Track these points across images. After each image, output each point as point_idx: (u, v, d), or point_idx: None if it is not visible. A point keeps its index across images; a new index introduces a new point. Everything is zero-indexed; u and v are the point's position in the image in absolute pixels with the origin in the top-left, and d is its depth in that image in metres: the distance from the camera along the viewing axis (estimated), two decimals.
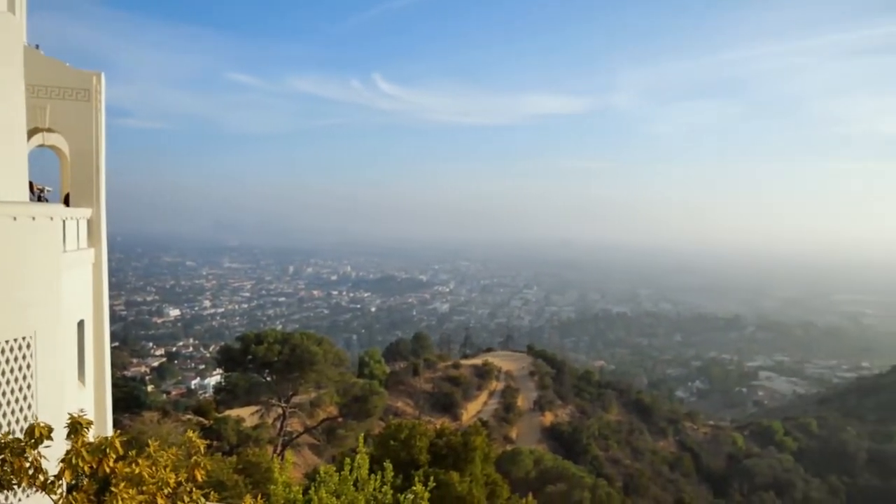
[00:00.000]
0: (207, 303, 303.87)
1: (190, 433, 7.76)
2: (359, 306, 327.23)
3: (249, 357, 40.20)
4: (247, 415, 40.94)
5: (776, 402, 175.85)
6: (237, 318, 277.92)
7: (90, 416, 7.46)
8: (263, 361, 39.76)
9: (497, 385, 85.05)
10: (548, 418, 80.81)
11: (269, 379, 41.36)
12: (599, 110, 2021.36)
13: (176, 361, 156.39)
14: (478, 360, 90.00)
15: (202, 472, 7.45)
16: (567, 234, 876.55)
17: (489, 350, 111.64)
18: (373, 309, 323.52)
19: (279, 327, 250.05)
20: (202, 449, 7.72)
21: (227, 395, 41.73)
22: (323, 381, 39.72)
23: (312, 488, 10.83)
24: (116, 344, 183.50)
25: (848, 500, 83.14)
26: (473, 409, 75.12)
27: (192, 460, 7.51)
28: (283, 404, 40.97)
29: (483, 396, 79.57)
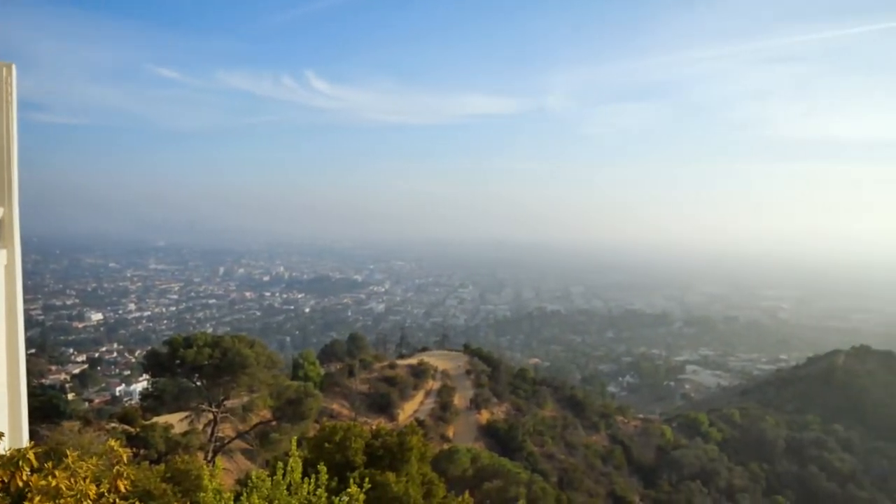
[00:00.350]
0: (132, 306, 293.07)
1: (112, 442, 7.40)
2: (292, 307, 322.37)
3: (178, 361, 38.80)
4: (175, 421, 39.57)
5: (702, 395, 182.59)
6: (164, 322, 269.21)
7: (2, 427, 7.02)
8: (193, 366, 38.48)
9: (433, 384, 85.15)
10: (484, 416, 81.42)
11: (199, 384, 40.06)
12: (532, 111, 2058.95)
13: (99, 368, 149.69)
14: (414, 360, 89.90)
15: (126, 482, 7.11)
16: (501, 233, 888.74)
17: (425, 349, 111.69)
18: (307, 310, 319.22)
19: (209, 330, 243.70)
20: (125, 458, 7.38)
21: (155, 402, 40.21)
22: (255, 384, 38.74)
23: (244, 494, 10.52)
24: (33, 351, 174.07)
25: (767, 486, 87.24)
26: (410, 409, 74.98)
27: (115, 470, 7.16)
28: (215, 409, 39.77)
29: (419, 396, 79.52)
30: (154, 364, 39.84)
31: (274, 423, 39.28)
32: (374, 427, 22.79)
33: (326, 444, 19.65)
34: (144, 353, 60.94)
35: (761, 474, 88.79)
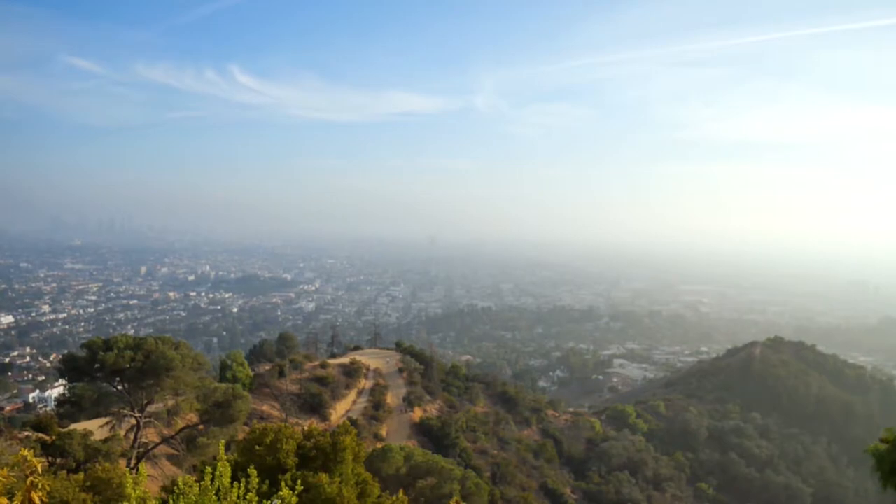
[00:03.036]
0: (46, 308, 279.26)
1: (24, 451, 6.93)
2: (219, 308, 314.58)
3: (97, 365, 37.08)
4: (95, 428, 37.70)
5: (629, 387, 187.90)
6: (82, 324, 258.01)
7: None
8: (114, 369, 36.83)
9: (366, 383, 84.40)
10: (417, 414, 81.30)
11: (120, 388, 38.38)
12: (460, 110, 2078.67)
13: (10, 373, 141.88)
14: (346, 359, 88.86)
15: (41, 493, 6.68)
16: (433, 231, 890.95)
17: (357, 348, 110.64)
18: (235, 310, 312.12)
19: (131, 332, 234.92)
20: (40, 468, 6.93)
21: (72, 408, 38.16)
22: (181, 387, 37.36)
23: (171, 501, 10.11)
24: None
25: (692, 474, 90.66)
26: (342, 409, 74.06)
27: (28, 481, 6.71)
28: (137, 414, 38.20)
29: (352, 395, 78.64)
30: (71, 369, 37.87)
31: (201, 426, 38.01)
32: (305, 428, 22.37)
33: (256, 447, 19.14)
34: (60, 357, 57.87)
35: (686, 463, 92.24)
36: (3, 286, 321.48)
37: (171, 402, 38.94)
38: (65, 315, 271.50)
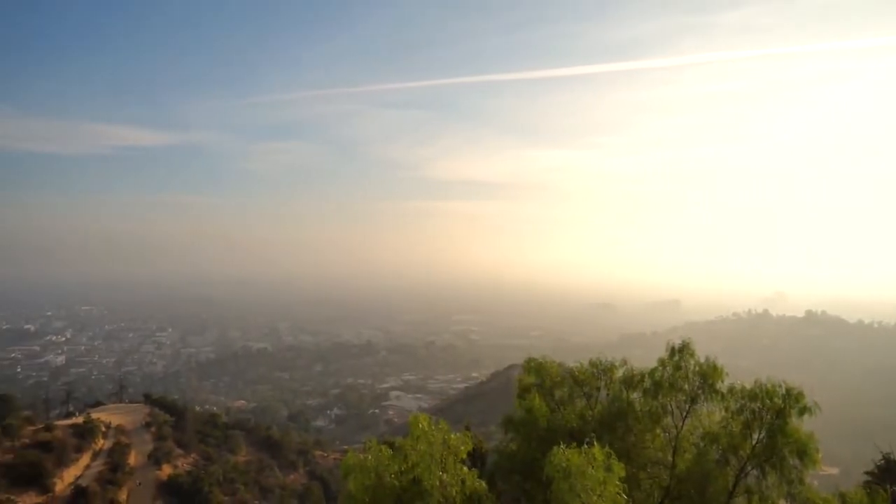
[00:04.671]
0: None
1: None
2: None
3: None
4: None
5: (403, 419, 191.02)
6: None
7: None
8: None
9: (104, 443, 75.86)
10: (165, 471, 74.80)
11: None
12: (189, 144, 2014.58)
13: None
14: (80, 419, 79.37)
15: None
16: (202, 271, 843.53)
17: (98, 404, 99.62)
18: None
19: None
20: None
21: None
22: None
23: None
24: None
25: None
26: (71, 476, 65.44)
27: None
28: None
29: (85, 459, 69.97)
30: None
31: None
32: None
33: None
34: None
35: None
36: None
37: None
38: None
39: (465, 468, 16.10)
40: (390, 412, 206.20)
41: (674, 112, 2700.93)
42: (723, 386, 18.96)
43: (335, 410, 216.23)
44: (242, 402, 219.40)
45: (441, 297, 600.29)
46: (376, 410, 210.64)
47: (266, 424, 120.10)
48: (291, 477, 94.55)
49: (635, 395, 20.32)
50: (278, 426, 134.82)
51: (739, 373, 21.57)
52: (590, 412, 21.07)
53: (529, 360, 23.42)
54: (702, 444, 18.97)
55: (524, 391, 22.23)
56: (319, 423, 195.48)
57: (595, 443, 14.34)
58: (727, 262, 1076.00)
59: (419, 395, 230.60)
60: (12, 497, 56.50)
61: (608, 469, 13.70)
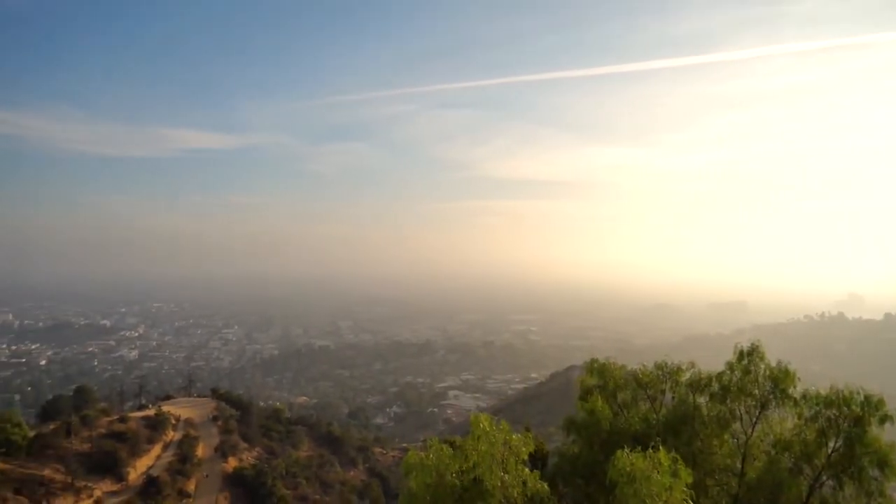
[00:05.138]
0: None
1: None
2: (24, 360, 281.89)
3: None
4: None
5: (462, 418, 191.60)
6: None
7: None
8: None
9: (174, 435, 78.81)
10: (231, 464, 77.10)
11: None
12: (248, 147, 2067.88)
13: None
14: (151, 411, 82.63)
15: None
16: (265, 270, 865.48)
17: (168, 398, 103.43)
18: (42, 362, 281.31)
19: None
20: None
21: None
22: None
23: None
24: None
25: None
26: (143, 466, 68.28)
27: None
28: None
29: (156, 450, 72.87)
30: None
31: None
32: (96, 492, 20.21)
33: None
34: None
35: None
36: None
37: None
38: None
39: (526, 469, 15.93)
40: (449, 411, 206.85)
41: (739, 107, 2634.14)
42: (795, 391, 18.24)
43: (394, 408, 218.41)
44: (304, 398, 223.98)
45: (497, 297, 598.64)
46: (435, 409, 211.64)
47: (327, 421, 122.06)
48: (351, 473, 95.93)
49: (702, 400, 19.74)
50: (339, 423, 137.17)
51: (812, 378, 20.74)
52: (654, 416, 20.56)
53: (592, 362, 22.98)
54: (773, 452, 18.31)
55: (586, 393, 21.85)
56: (379, 420, 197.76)
57: (660, 447, 13.95)
58: (796, 264, 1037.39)
59: (477, 395, 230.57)
60: (89, 484, 59.32)
61: (674, 474, 13.30)
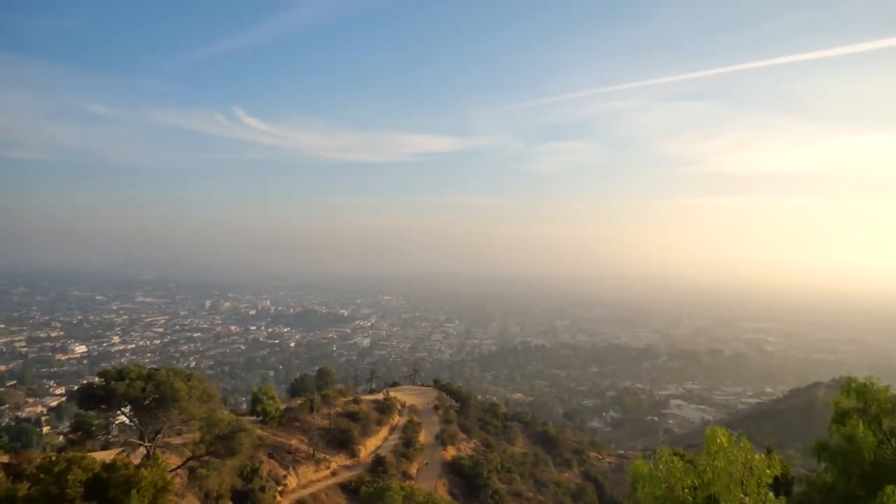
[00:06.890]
0: (116, 339, 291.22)
1: None
2: (277, 342, 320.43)
3: (110, 394, 38.13)
4: (109, 457, 38.59)
5: (685, 430, 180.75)
6: (148, 355, 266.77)
7: None
8: (125, 398, 37.85)
9: (399, 420, 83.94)
10: (450, 452, 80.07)
11: (131, 417, 39.34)
12: (474, 149, 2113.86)
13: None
14: (380, 395, 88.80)
15: None
16: (484, 267, 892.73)
17: (395, 384, 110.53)
18: (292, 344, 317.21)
19: (192, 364, 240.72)
20: None
21: (83, 435, 39.30)
22: (187, 418, 38.03)
23: None
24: (13, 383, 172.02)
25: None
26: (372, 445, 73.63)
27: None
28: (147, 444, 38.94)
29: (383, 432, 78.22)
30: (87, 396, 39.00)
31: (206, 457, 38.35)
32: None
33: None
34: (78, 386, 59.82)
35: None
36: (80, 317, 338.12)
37: (181, 433, 39.60)
38: (133, 346, 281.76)
39: (770, 494, 13.93)
40: (670, 421, 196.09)
41: None
42: None
43: (611, 413, 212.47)
44: (520, 394, 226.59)
45: (726, 301, 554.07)
46: (655, 417, 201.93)
47: (542, 419, 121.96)
48: (565, 475, 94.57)
49: None
50: (554, 422, 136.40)
51: None
52: None
53: (849, 381, 19.78)
54: None
55: (842, 416, 18.91)
56: (594, 423, 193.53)
57: None
58: None
59: (703, 406, 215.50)
60: (327, 456, 65.26)
61: None
